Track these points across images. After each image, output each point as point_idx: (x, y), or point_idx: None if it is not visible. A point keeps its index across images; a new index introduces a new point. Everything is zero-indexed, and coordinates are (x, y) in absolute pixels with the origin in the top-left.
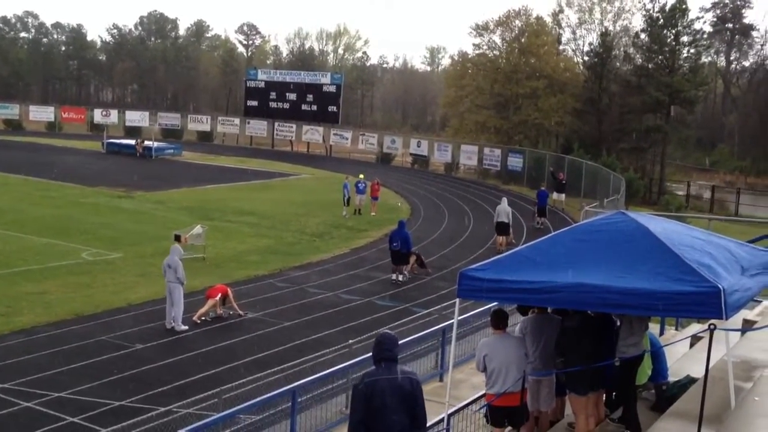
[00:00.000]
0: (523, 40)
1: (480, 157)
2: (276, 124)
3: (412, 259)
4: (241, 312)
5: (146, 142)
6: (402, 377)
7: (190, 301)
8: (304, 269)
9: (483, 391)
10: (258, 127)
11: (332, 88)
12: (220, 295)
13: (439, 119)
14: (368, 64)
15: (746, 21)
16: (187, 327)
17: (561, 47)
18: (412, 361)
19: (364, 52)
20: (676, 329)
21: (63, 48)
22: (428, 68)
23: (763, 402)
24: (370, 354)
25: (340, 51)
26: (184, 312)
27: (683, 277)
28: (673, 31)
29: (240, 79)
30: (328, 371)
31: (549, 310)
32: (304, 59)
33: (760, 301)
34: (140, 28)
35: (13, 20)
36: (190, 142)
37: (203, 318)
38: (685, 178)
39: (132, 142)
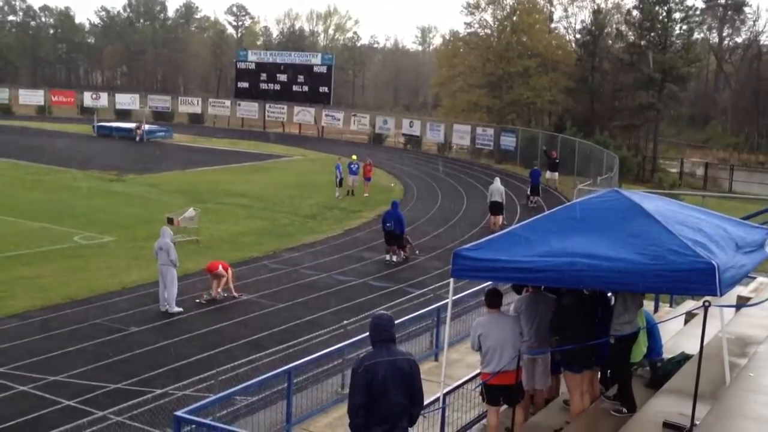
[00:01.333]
0: (514, 18)
1: (473, 136)
2: (267, 105)
3: (408, 247)
4: (235, 294)
5: (144, 127)
6: (401, 358)
7: (185, 284)
8: (297, 250)
9: (478, 370)
10: (249, 109)
11: (323, 69)
12: (220, 266)
13: (431, 99)
14: (359, 45)
15: None
16: (181, 309)
17: (553, 25)
18: (408, 341)
19: (355, 32)
20: (671, 306)
21: (51, 31)
22: (419, 48)
23: (758, 378)
24: (366, 334)
25: (331, 31)
26: (178, 294)
27: (678, 254)
28: (666, 8)
29: (230, 60)
30: (323, 352)
31: (543, 288)
32: (294, 40)
33: (755, 278)
34: (128, 10)
35: (1, 3)
36: (180, 125)
37: (218, 294)
38: (678, 156)
39: (124, 125)
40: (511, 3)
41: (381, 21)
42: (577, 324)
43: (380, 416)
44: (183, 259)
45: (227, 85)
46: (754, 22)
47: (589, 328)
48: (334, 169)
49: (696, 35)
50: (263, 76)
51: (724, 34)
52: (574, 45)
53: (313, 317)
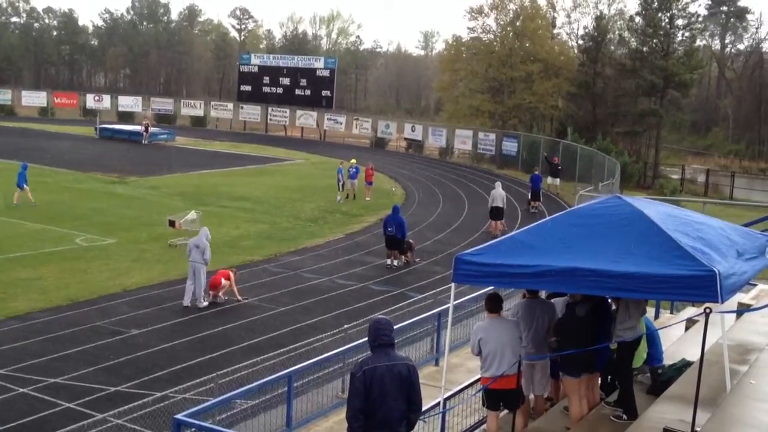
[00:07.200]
0: (517, 23)
1: (474, 141)
2: (269, 108)
3: (410, 253)
4: (240, 297)
5: (150, 129)
6: (400, 363)
7: (185, 288)
8: (298, 254)
9: (479, 375)
10: (251, 112)
11: (326, 73)
12: (223, 280)
13: (433, 104)
14: (362, 49)
15: (741, 4)
16: (207, 303)
17: (555, 31)
18: (408, 345)
19: (358, 37)
20: (671, 313)
21: (55, 33)
22: (422, 52)
23: (759, 385)
24: (366, 339)
25: (334, 35)
26: (181, 295)
27: (679, 261)
28: (668, 15)
29: (233, 63)
30: (323, 356)
31: (542, 294)
32: (297, 43)
33: (756, 285)
34: (132, 13)
35: (4, 5)
36: (183, 127)
37: (220, 298)
38: (679, 162)
39: (126, 127)
40: (514, 8)
41: (384, 25)
42: (585, 332)
43: (379, 421)
44: (183, 261)
45: (230, 88)
46: (756, 29)
47: (594, 334)
48: (336, 173)
49: (698, 42)
50: (266, 79)
51: (727, 42)
52: (576, 51)
53: (313, 321)
